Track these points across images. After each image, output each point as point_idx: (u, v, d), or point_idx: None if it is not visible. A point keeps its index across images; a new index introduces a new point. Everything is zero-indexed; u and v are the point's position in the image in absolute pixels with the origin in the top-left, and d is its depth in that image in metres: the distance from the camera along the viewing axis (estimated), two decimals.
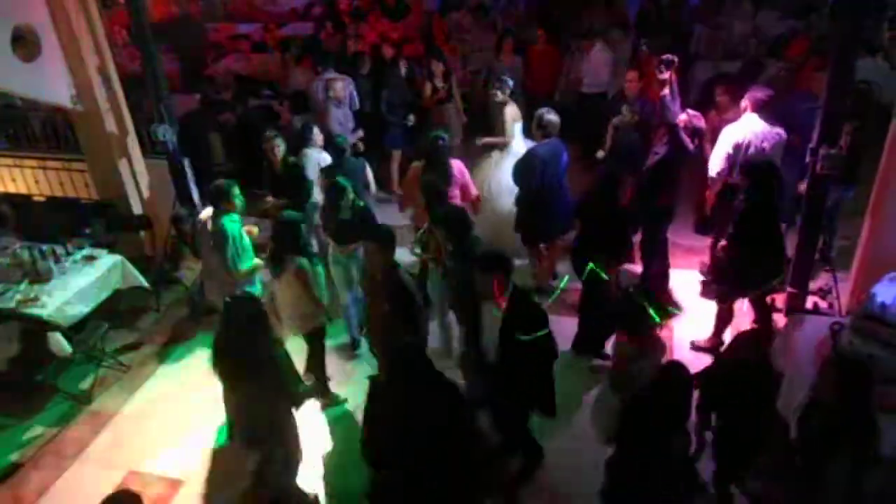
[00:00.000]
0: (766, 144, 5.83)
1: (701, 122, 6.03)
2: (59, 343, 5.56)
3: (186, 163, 6.81)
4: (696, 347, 5.81)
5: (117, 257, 6.39)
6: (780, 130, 5.93)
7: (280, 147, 6.33)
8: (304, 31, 11.70)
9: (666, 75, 5.90)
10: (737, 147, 5.84)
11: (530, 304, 4.19)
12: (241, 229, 5.35)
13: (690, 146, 5.93)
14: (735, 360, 4.05)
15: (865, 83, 6.25)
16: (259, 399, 3.94)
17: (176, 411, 5.54)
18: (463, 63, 10.22)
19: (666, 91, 5.84)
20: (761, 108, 5.86)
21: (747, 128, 5.86)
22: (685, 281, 6.62)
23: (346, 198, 5.54)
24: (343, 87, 7.98)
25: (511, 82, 7.25)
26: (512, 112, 7.13)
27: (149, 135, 6.98)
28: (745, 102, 5.95)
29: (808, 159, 5.24)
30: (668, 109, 5.78)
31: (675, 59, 6.01)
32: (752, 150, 5.83)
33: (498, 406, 4.44)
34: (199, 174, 6.93)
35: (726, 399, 3.94)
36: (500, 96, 7.11)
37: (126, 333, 6.51)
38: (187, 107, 8.19)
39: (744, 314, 5.85)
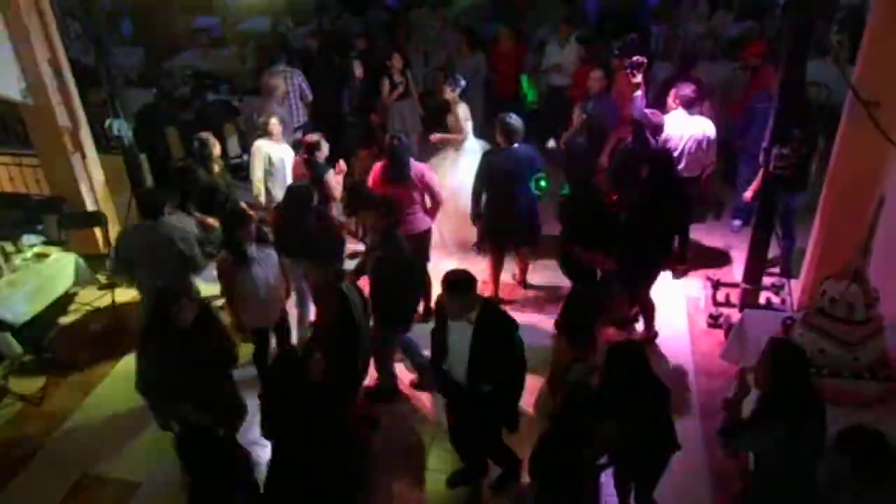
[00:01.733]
0: (690, 140, 6.09)
1: (659, 119, 6.15)
2: (9, 343, 5.41)
3: (143, 158, 6.68)
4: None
5: (70, 255, 6.24)
6: (705, 126, 6.10)
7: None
8: (263, 26, 11.57)
9: (639, 78, 6.02)
10: (663, 143, 6.07)
11: (500, 316, 4.08)
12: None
13: (653, 142, 6.06)
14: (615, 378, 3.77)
15: (816, 85, 6.42)
16: None
17: (130, 411, 5.38)
18: (425, 60, 10.21)
19: (639, 93, 5.98)
20: (686, 105, 6.07)
21: (674, 124, 6.07)
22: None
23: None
24: (282, 82, 7.86)
25: (463, 81, 7.23)
26: (463, 111, 7.13)
27: (103, 129, 6.83)
28: (670, 99, 6.14)
29: (761, 158, 5.37)
30: (638, 110, 5.95)
31: (645, 61, 6.14)
32: (672, 143, 6.06)
33: (469, 422, 4.38)
34: (155, 169, 6.81)
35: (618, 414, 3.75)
36: (449, 94, 7.10)
37: (79, 332, 6.35)
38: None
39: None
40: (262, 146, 6.60)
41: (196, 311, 4.26)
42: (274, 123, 6.62)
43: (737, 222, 7.43)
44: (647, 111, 6.12)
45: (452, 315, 4.00)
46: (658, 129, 6.13)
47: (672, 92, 6.26)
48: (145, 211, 5.51)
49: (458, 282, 3.91)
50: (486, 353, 3.97)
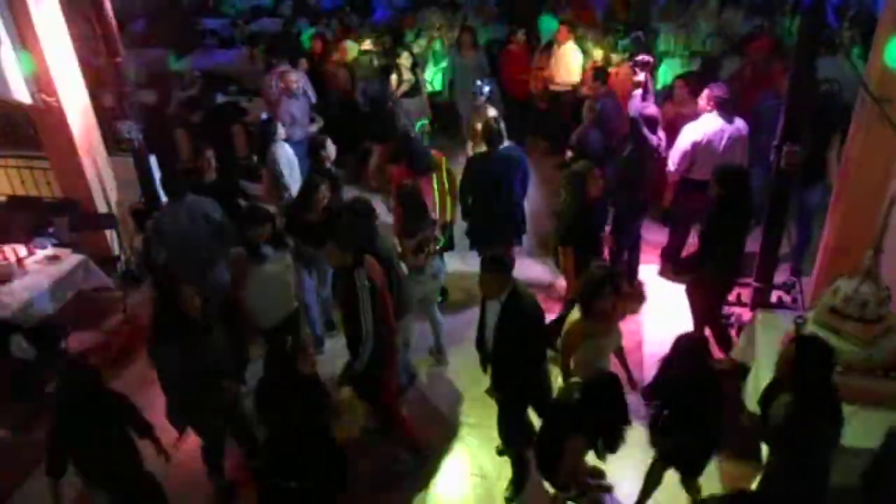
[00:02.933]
0: (725, 141, 5.96)
1: (650, 111, 6.14)
2: (21, 345, 5.44)
3: (153, 160, 6.71)
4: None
5: (81, 257, 6.27)
6: (739, 125, 6.05)
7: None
8: (273, 27, 11.61)
9: (641, 76, 6.00)
10: (695, 144, 6.01)
11: (526, 300, 4.28)
12: None
13: (653, 138, 6.03)
14: (679, 373, 3.97)
15: (828, 82, 6.37)
16: None
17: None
18: (434, 59, 10.21)
19: (638, 92, 5.95)
20: (720, 106, 5.98)
21: (706, 125, 6.02)
22: (655, 274, 6.70)
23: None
24: (296, 78, 7.88)
25: (487, 87, 7.27)
26: (493, 115, 7.13)
27: (113, 131, 6.86)
28: (703, 100, 6.07)
29: (771, 156, 5.33)
30: (635, 109, 5.91)
31: (650, 60, 6.11)
32: (710, 146, 5.96)
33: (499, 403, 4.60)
34: (165, 171, 6.82)
35: (677, 409, 3.99)
36: (478, 101, 7.14)
37: (91, 335, 6.38)
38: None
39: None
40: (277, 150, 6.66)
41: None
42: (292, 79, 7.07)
43: None
44: (639, 105, 6.12)
45: (485, 291, 4.29)
46: (651, 121, 6.10)
47: (705, 93, 6.14)
48: (172, 192, 5.56)
49: (492, 259, 4.23)
50: (511, 334, 4.20)
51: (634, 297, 6.36)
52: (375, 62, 8.43)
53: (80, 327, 6.24)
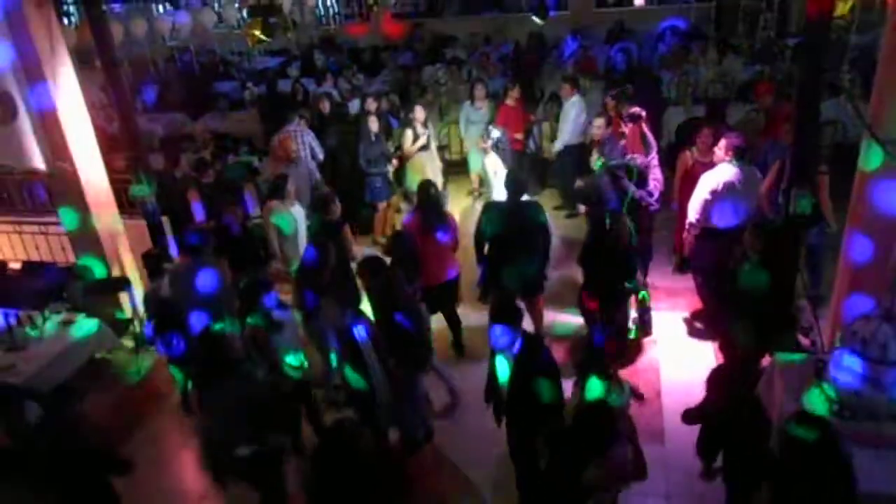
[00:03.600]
0: (742, 189, 5.98)
1: (637, 161, 6.19)
2: (36, 411, 5.42)
3: (165, 221, 6.80)
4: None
5: (94, 321, 6.30)
6: (754, 172, 6.08)
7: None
8: (282, 87, 11.88)
9: (627, 129, 6.10)
10: (714, 193, 5.98)
11: (540, 353, 4.23)
12: None
13: (630, 187, 6.12)
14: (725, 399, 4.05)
15: (832, 123, 6.43)
16: None
17: (158, 479, 5.35)
18: (440, 115, 10.40)
19: (623, 142, 6.06)
20: (738, 155, 6.01)
21: (724, 174, 6.01)
22: (671, 322, 6.64)
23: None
24: (295, 147, 8.09)
25: (496, 132, 7.39)
26: (492, 162, 7.23)
27: (126, 194, 6.98)
28: (720, 150, 6.09)
29: (780, 201, 5.34)
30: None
31: (642, 114, 6.22)
32: (729, 195, 5.96)
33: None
34: (178, 232, 6.91)
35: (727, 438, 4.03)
36: (482, 144, 7.26)
37: (105, 397, 6.36)
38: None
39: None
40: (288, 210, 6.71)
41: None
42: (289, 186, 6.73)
43: None
44: (628, 156, 6.22)
45: (495, 342, 4.15)
46: (640, 172, 6.18)
47: (723, 143, 6.10)
48: (193, 249, 5.71)
49: (499, 309, 4.14)
50: (523, 388, 4.10)
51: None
52: (374, 126, 8.54)
53: (93, 391, 6.22)
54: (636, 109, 6.86)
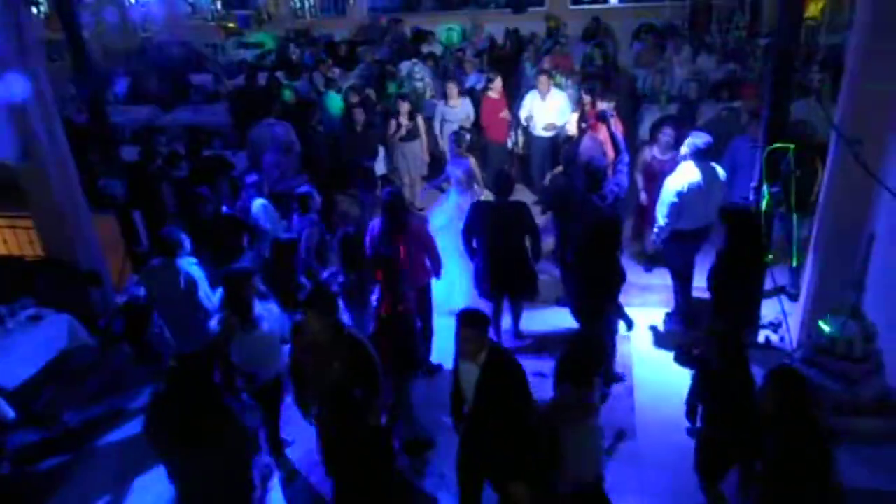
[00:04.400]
0: (706, 188, 6.00)
1: (596, 163, 6.28)
2: (1, 408, 5.34)
3: (137, 216, 6.70)
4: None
5: (64, 316, 6.18)
6: (717, 171, 6.12)
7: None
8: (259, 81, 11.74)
9: (598, 128, 6.16)
10: (680, 195, 5.99)
11: (508, 362, 4.07)
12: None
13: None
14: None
15: (802, 124, 6.52)
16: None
17: (127, 476, 5.29)
18: (416, 110, 10.36)
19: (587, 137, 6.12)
20: (698, 156, 6.04)
21: (688, 175, 6.03)
22: (642, 319, 6.68)
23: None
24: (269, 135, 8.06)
25: (468, 136, 7.39)
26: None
27: (97, 188, 6.86)
28: (684, 149, 6.13)
29: (751, 197, 5.43)
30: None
31: (612, 114, 6.28)
32: (695, 195, 5.99)
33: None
34: (151, 226, 6.83)
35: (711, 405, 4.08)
36: (457, 150, 7.22)
37: (74, 394, 6.27)
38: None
39: None
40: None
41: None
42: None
43: None
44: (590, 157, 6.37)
45: (463, 353, 4.04)
46: (597, 175, 6.19)
47: (687, 141, 6.13)
48: (166, 249, 5.54)
49: (469, 315, 4.00)
50: (490, 399, 3.96)
51: None
52: (360, 118, 8.48)
53: (63, 388, 6.12)
54: (604, 108, 6.90)
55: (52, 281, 6.75)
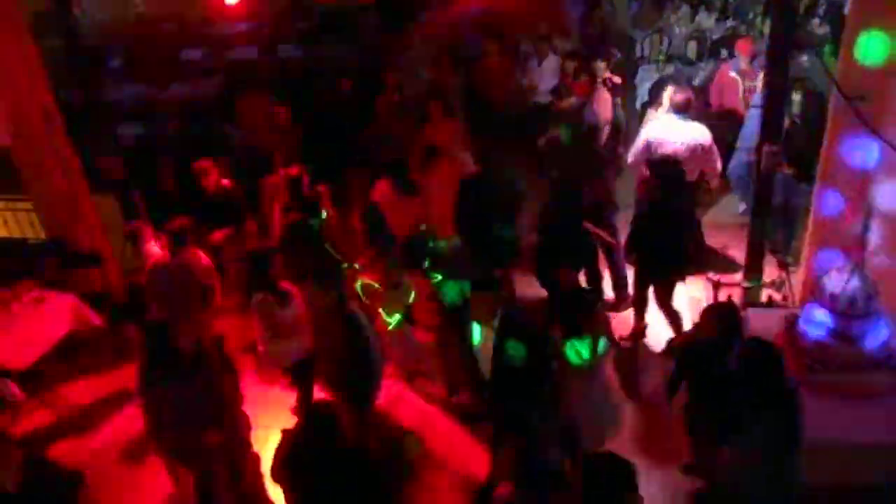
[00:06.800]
0: (679, 146, 6.04)
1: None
2: (8, 389, 5.39)
3: (137, 195, 6.68)
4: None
5: (69, 297, 6.22)
6: (697, 135, 6.11)
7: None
8: (252, 54, 11.62)
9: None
10: (647, 143, 6.13)
11: (520, 324, 4.17)
12: None
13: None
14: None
15: (802, 80, 6.45)
16: None
17: (133, 460, 5.35)
18: (412, 78, 10.24)
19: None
20: (678, 110, 6.07)
21: (662, 126, 6.10)
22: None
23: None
24: None
25: None
26: None
27: (96, 167, 6.82)
28: (665, 102, 6.17)
29: (752, 157, 5.38)
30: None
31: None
32: (663, 147, 6.07)
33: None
34: (152, 202, 6.82)
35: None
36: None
37: (82, 375, 6.31)
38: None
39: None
40: None
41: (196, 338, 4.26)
42: None
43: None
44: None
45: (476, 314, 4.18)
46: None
47: (666, 97, 6.28)
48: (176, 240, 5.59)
49: (481, 277, 4.21)
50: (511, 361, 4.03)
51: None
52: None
53: (72, 368, 6.17)
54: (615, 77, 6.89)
55: (55, 263, 6.77)
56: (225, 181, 6.68)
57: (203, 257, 5.72)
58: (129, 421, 5.68)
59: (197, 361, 4.17)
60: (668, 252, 5.37)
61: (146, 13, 13.68)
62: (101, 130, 6.39)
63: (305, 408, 5.23)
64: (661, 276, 5.54)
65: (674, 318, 5.70)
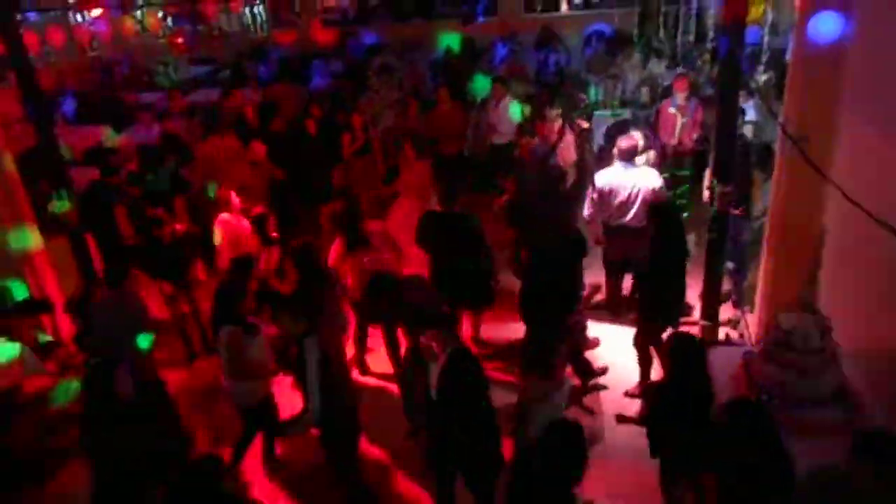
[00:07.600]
0: (630, 192, 6.29)
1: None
2: None
3: (89, 240, 6.53)
4: (629, 394, 5.88)
5: (16, 345, 5.98)
6: (649, 181, 6.29)
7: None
8: (211, 97, 11.60)
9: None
10: (600, 192, 6.32)
11: (468, 365, 4.08)
12: None
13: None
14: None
15: (748, 124, 6.71)
16: None
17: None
18: (373, 122, 10.33)
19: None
20: (623, 158, 6.30)
21: (611, 175, 6.29)
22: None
23: None
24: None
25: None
26: None
27: (47, 212, 6.66)
28: (614, 150, 6.40)
29: (706, 196, 5.53)
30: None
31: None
32: (614, 195, 6.30)
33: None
34: (104, 250, 6.66)
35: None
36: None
37: (31, 424, 6.04)
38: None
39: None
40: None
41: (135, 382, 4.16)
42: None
43: None
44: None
45: (427, 355, 4.08)
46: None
47: (616, 145, 6.46)
48: (111, 280, 5.56)
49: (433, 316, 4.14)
50: (449, 399, 4.01)
51: None
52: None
53: (18, 420, 5.90)
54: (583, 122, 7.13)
55: (2, 309, 6.53)
56: (180, 225, 6.62)
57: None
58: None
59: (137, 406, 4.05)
60: (668, 298, 5.44)
61: (102, 56, 13.64)
62: (54, 175, 6.25)
63: (267, 451, 5.26)
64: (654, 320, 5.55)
65: (645, 361, 5.72)
